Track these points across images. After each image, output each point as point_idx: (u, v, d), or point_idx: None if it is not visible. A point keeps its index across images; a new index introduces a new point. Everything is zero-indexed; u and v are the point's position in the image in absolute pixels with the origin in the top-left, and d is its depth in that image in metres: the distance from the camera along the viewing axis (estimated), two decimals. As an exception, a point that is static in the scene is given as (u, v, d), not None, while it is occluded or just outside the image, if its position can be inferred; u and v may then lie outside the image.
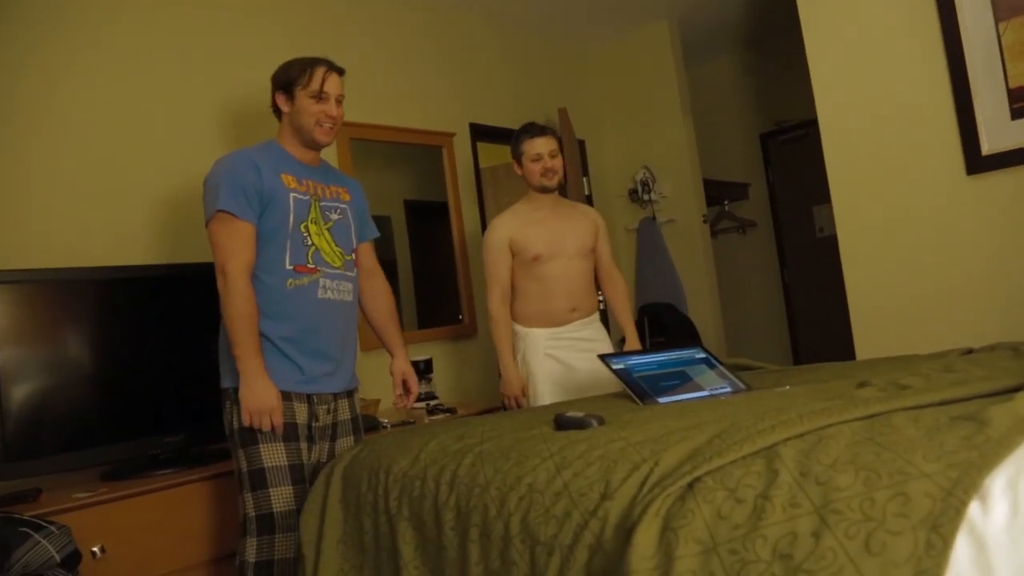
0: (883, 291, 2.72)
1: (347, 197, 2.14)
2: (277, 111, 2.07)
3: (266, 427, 1.85)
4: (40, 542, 1.57)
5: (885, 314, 2.72)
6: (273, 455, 1.88)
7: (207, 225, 1.92)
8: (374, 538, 1.51)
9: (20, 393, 2.02)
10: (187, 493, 2.06)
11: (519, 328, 2.69)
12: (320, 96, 2.01)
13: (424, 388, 3.15)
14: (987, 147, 2.49)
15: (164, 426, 2.24)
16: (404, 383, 2.26)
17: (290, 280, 1.95)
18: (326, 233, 2.03)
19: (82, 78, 2.48)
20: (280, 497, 1.86)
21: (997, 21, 2.46)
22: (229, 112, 2.83)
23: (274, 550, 1.84)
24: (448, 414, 2.85)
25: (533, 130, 2.67)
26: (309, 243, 1.98)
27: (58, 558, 1.59)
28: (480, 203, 3.79)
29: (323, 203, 2.05)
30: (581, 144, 4.38)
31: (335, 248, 2.05)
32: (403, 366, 2.26)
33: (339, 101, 2.06)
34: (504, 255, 2.66)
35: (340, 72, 2.08)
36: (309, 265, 1.97)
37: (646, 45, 4.47)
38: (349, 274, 2.08)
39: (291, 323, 1.94)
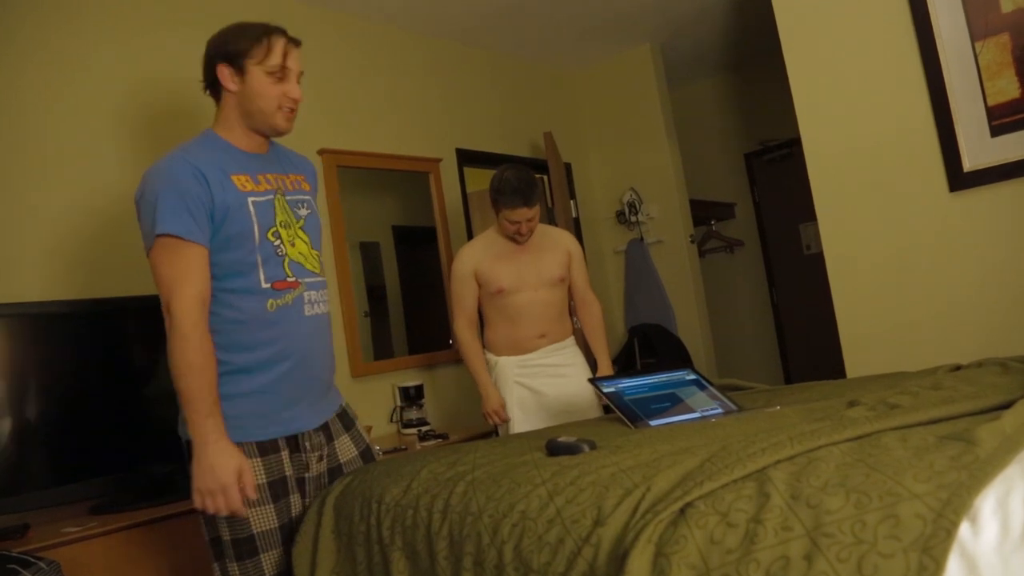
0: (871, 308, 2.75)
1: (307, 187, 1.80)
2: (215, 90, 1.68)
3: (221, 511, 1.50)
4: (27, 580, 1.54)
5: (873, 331, 2.74)
6: (262, 518, 1.60)
7: (148, 254, 1.57)
8: (367, 569, 1.49)
9: (7, 427, 2.00)
10: (178, 526, 2.04)
11: (490, 356, 2.71)
12: (282, 73, 1.65)
13: (415, 414, 3.15)
14: (969, 164, 2.53)
15: (153, 458, 2.22)
16: None
17: (271, 301, 1.62)
18: (301, 234, 1.70)
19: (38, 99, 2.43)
20: (271, 561, 1.61)
21: (973, 41, 2.50)
22: (143, 116, 2.72)
23: None
24: (440, 440, 2.84)
25: (515, 198, 2.54)
26: (282, 252, 1.64)
27: (46, 596, 1.56)
28: (468, 228, 3.81)
29: (289, 197, 1.70)
30: (567, 167, 4.41)
31: (312, 251, 1.73)
32: None
33: (298, 80, 1.71)
34: (469, 285, 2.67)
35: (298, 44, 1.73)
36: (289, 279, 1.65)
37: (630, 68, 4.53)
38: (323, 277, 1.77)
39: (280, 352, 1.63)
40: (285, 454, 1.66)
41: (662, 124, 4.45)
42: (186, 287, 1.53)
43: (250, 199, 1.62)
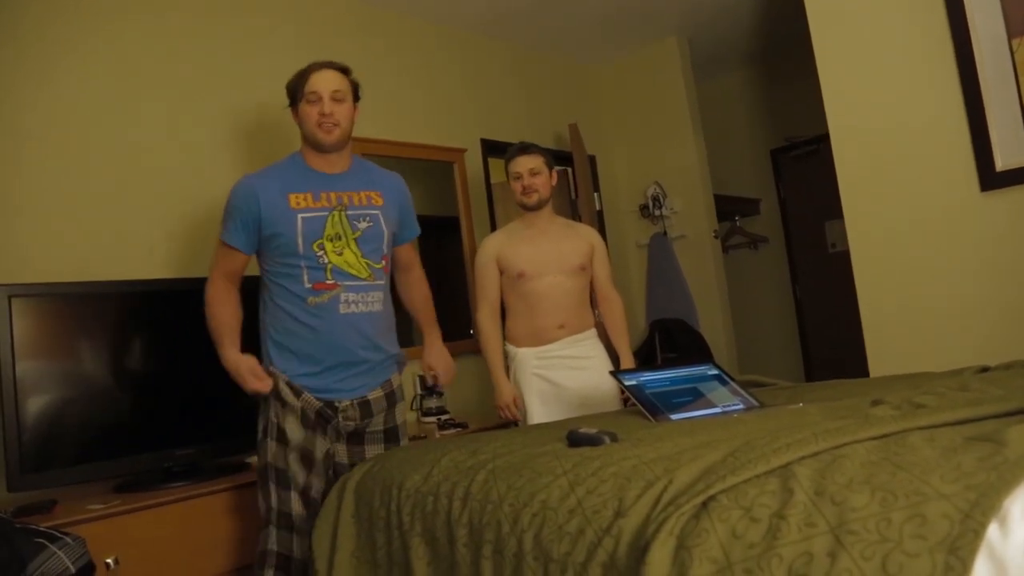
0: (896, 307, 2.71)
1: (379, 201, 2.10)
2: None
3: (246, 385, 1.95)
4: (56, 553, 1.57)
5: (898, 330, 2.70)
6: (275, 454, 1.96)
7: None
8: (387, 553, 1.51)
9: (37, 405, 2.04)
10: (200, 506, 2.07)
11: (510, 348, 2.73)
12: (315, 97, 2.00)
13: (436, 403, 3.16)
14: (1001, 163, 2.48)
15: (178, 439, 2.25)
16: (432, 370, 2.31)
17: (311, 299, 1.97)
18: (352, 245, 2.01)
19: (84, 85, 2.48)
20: (289, 486, 1.94)
21: (1010, 37, 2.45)
22: (242, 126, 2.86)
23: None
24: (459, 429, 2.85)
25: (514, 149, 2.71)
26: (325, 261, 1.97)
27: (73, 569, 1.60)
28: (491, 218, 3.81)
29: (350, 212, 2.03)
30: (592, 160, 4.39)
31: (361, 260, 2.03)
32: (429, 356, 2.30)
33: (336, 98, 2.01)
34: (492, 271, 2.70)
35: (336, 68, 2.05)
36: (328, 281, 1.98)
37: (656, 61, 4.49)
38: (378, 283, 2.07)
39: (313, 338, 1.98)
40: (307, 412, 1.98)
41: (688, 118, 4.41)
42: (216, 270, 2.04)
43: (300, 215, 1.96)
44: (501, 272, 2.69)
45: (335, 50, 3.19)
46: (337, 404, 2.01)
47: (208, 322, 2.01)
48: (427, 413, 3.15)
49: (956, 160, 2.56)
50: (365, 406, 2.05)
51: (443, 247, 3.67)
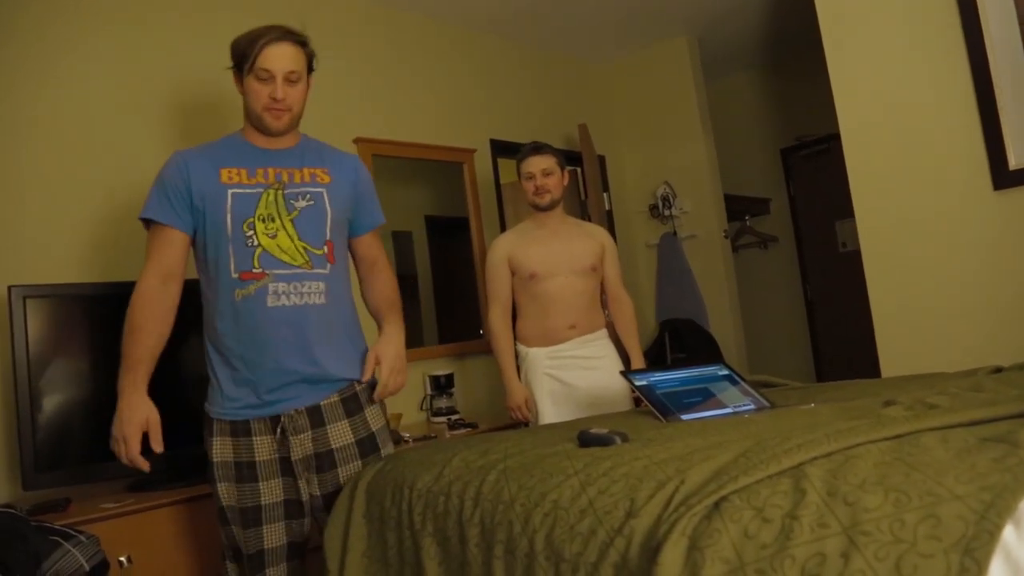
0: (908, 307, 2.70)
1: (325, 179, 1.81)
2: None
3: (122, 457, 1.63)
4: (70, 551, 1.59)
5: (910, 330, 2.69)
6: (226, 494, 1.73)
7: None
8: (398, 553, 1.51)
9: (51, 405, 2.06)
10: (213, 504, 2.08)
11: (521, 348, 2.73)
12: (263, 75, 1.70)
13: (445, 403, 3.17)
14: (1015, 162, 2.46)
15: (190, 437, 2.26)
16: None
17: (237, 291, 1.70)
18: (288, 226, 1.73)
19: (69, 85, 2.48)
20: (236, 535, 1.75)
21: None
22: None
23: None
24: (469, 429, 2.86)
25: (526, 149, 2.71)
26: (254, 243, 1.70)
27: (87, 567, 1.61)
28: (500, 219, 3.81)
29: (288, 190, 1.75)
30: (601, 160, 4.39)
31: (297, 243, 1.73)
32: (378, 345, 1.85)
33: (291, 79, 1.72)
34: (503, 272, 2.70)
35: (294, 41, 1.73)
36: (255, 270, 1.70)
37: (666, 61, 4.49)
38: (319, 271, 1.76)
39: (242, 339, 1.70)
40: (263, 438, 1.72)
41: (697, 118, 4.41)
42: (148, 262, 1.73)
43: (230, 190, 1.71)
44: (512, 273, 2.70)
45: (343, 48, 3.24)
46: (283, 416, 1.72)
47: (123, 338, 1.66)
48: (437, 413, 3.16)
49: (968, 159, 2.55)
50: (315, 412, 1.75)
51: (452, 248, 3.68)
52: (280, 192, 1.74)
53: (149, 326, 1.68)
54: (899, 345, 2.72)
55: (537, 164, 2.65)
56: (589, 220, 3.79)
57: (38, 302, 2.06)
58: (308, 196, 1.77)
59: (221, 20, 2.86)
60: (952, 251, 2.60)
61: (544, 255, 2.66)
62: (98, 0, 2.58)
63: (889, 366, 2.73)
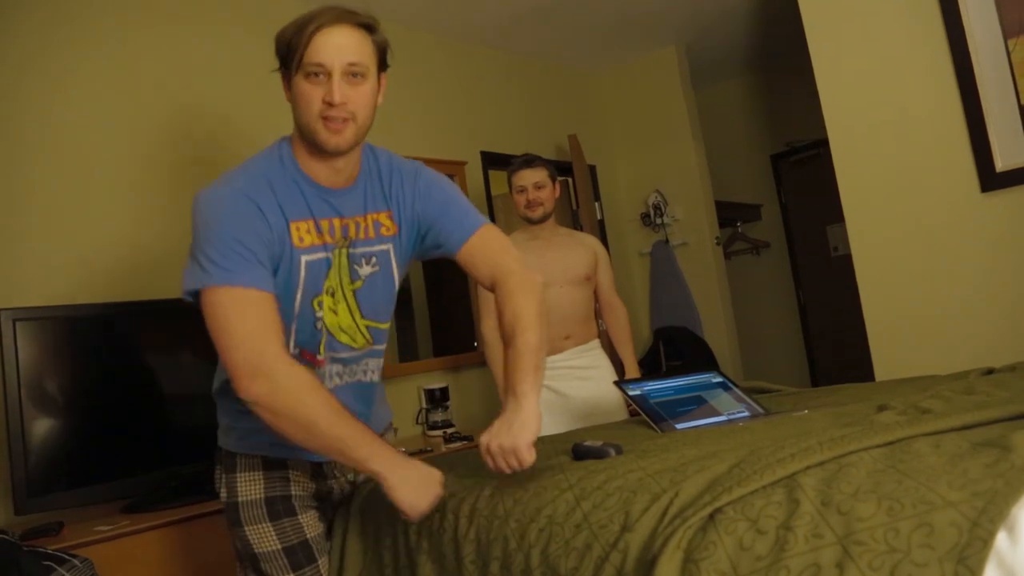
0: (900, 310, 2.71)
1: (391, 228, 1.43)
2: None
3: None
4: (63, 577, 1.57)
5: (903, 333, 2.70)
6: (261, 537, 1.45)
7: (196, 302, 1.29)
8: (394, 572, 1.50)
9: (42, 428, 2.04)
10: (208, 524, 2.06)
11: None
12: (314, 70, 1.27)
13: (441, 416, 3.16)
14: (1001, 164, 2.48)
15: (184, 457, 2.25)
16: None
17: None
18: (350, 298, 1.39)
19: (64, 112, 2.48)
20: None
21: (1006, 38, 2.46)
22: (247, 140, 2.86)
23: None
24: (465, 442, 2.85)
25: (518, 162, 2.71)
26: (321, 327, 1.38)
27: (80, 594, 1.59)
28: (493, 230, 3.81)
29: (352, 251, 1.39)
30: (592, 169, 4.40)
31: (359, 320, 1.42)
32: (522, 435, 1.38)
33: (353, 72, 1.28)
34: None
35: (356, 24, 1.29)
36: (319, 357, 1.40)
37: (655, 70, 4.51)
38: (377, 347, 1.48)
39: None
40: (299, 473, 1.49)
41: (687, 125, 4.43)
42: (241, 349, 1.24)
43: (304, 258, 1.32)
44: None
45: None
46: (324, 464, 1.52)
47: (305, 428, 1.25)
48: (433, 427, 3.15)
49: (956, 161, 2.56)
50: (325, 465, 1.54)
51: (446, 260, 3.67)
52: (345, 252, 1.36)
53: (329, 401, 1.28)
54: (892, 348, 2.73)
55: (529, 177, 2.65)
56: (581, 230, 3.79)
57: (28, 325, 2.05)
58: (374, 260, 1.40)
59: (220, 46, 2.87)
60: (942, 253, 2.61)
61: (538, 266, 2.65)
62: (98, 27, 2.59)
63: (882, 369, 2.73)
